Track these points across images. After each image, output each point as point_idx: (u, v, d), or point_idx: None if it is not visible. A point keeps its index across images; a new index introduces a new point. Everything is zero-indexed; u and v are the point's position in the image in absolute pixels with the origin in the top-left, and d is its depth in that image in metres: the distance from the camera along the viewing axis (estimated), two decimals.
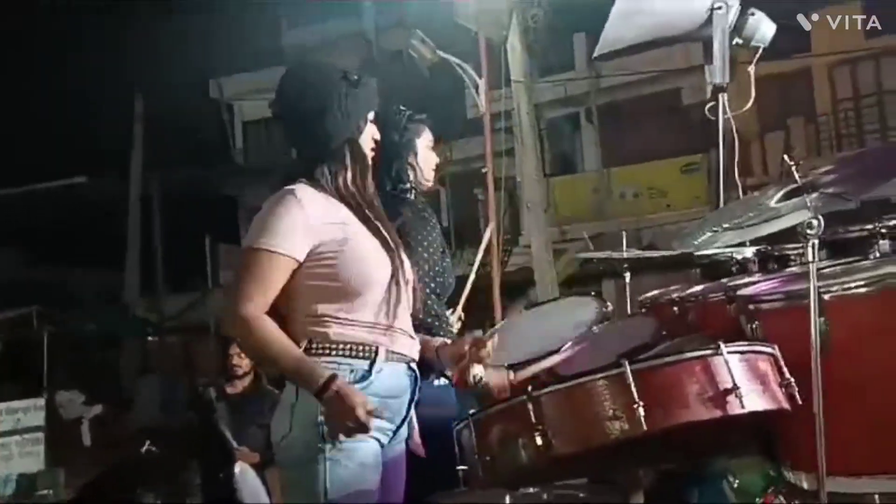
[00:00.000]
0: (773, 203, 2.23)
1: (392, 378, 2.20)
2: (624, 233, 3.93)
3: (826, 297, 2.20)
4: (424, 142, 2.92)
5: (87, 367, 17.27)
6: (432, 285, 2.83)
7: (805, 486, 2.36)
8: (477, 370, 2.48)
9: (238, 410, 5.48)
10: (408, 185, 2.89)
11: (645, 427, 1.81)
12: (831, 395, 2.10)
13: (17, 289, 16.21)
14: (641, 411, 1.81)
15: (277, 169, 2.43)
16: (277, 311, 2.16)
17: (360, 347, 2.16)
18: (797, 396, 1.96)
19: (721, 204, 3.73)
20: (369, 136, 2.33)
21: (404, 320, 2.26)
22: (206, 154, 20.34)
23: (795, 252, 2.98)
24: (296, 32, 19.44)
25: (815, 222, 2.04)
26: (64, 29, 20.24)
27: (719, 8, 3.57)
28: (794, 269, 2.91)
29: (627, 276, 3.84)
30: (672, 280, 3.55)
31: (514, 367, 2.82)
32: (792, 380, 1.97)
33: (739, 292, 2.54)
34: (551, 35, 12.86)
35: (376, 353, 2.17)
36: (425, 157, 2.92)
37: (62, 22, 20.25)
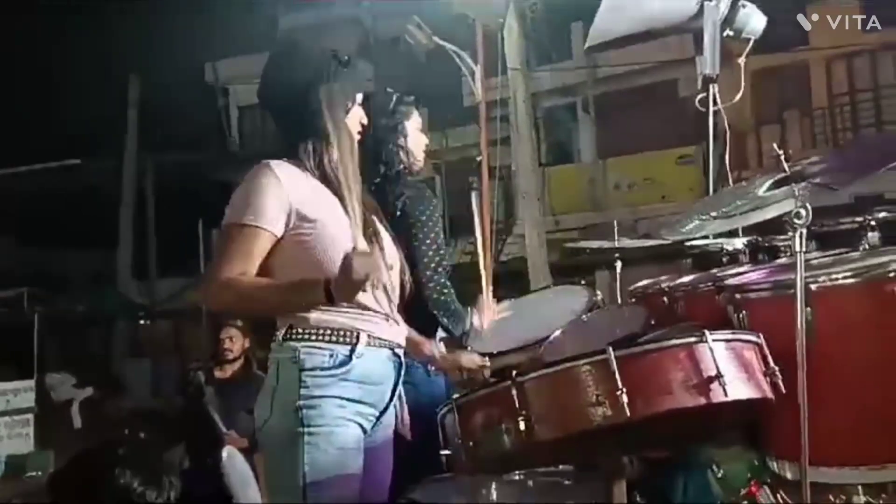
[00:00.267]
0: (761, 192, 2.22)
1: (374, 363, 2.19)
2: (616, 223, 3.94)
3: (813, 287, 2.19)
4: (414, 124, 2.91)
5: (77, 349, 17.26)
6: (439, 260, 2.82)
7: (789, 475, 2.36)
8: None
9: (227, 395, 5.48)
10: (399, 168, 2.88)
11: (628, 413, 1.80)
12: (816, 385, 2.09)
13: (8, 270, 16.17)
14: (625, 398, 1.80)
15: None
16: None
17: (341, 332, 2.15)
18: (781, 385, 1.96)
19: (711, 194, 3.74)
20: (356, 119, 2.31)
21: (386, 305, 2.24)
22: (201, 138, 20.27)
23: (785, 243, 2.98)
24: (292, 16, 19.33)
25: (802, 212, 2.04)
26: (60, 11, 20.12)
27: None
28: (783, 259, 2.91)
29: (619, 265, 3.84)
30: (664, 271, 3.55)
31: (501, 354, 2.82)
32: (777, 369, 1.97)
33: (728, 282, 2.54)
34: (549, 24, 12.83)
35: (357, 338, 2.16)
36: (416, 140, 2.92)
37: (58, 4, 20.12)
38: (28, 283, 14.77)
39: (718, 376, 1.85)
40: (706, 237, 3.13)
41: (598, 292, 3.32)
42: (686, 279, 3.05)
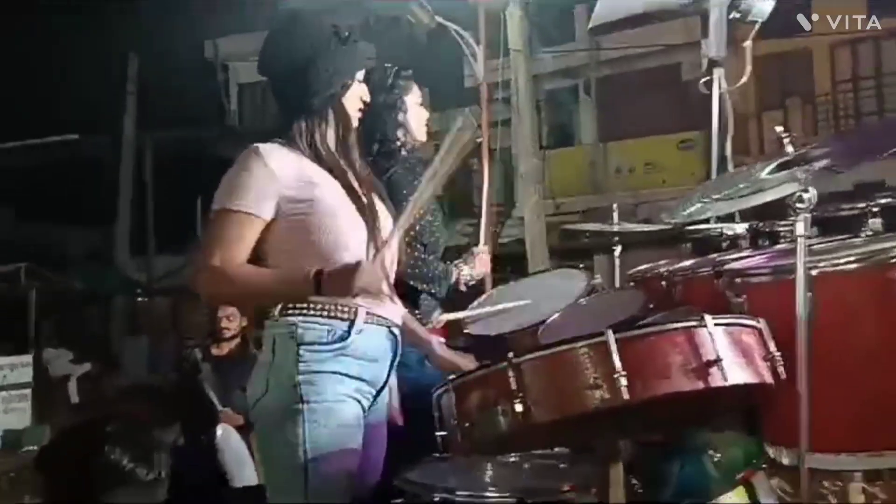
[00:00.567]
0: (763, 175, 2.20)
1: (372, 340, 2.16)
2: (615, 206, 3.91)
3: (814, 272, 2.18)
4: (414, 98, 2.88)
5: (75, 325, 17.26)
6: (421, 240, 2.80)
7: (786, 461, 2.35)
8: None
9: (224, 373, 5.48)
10: (399, 144, 2.86)
11: (626, 397, 1.78)
12: (815, 371, 2.08)
13: (6, 245, 16.13)
14: (623, 381, 1.78)
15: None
16: None
17: (339, 308, 2.13)
18: (781, 371, 1.94)
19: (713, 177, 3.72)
20: (357, 97, 2.27)
21: (385, 284, 2.22)
22: (200, 115, 20.18)
23: (786, 229, 2.97)
24: None
25: (805, 195, 2.02)
26: None
27: None
28: (783, 244, 2.89)
29: (618, 249, 3.82)
30: (663, 255, 3.53)
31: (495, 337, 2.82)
32: (777, 354, 1.95)
33: (727, 267, 2.52)
34: (552, 5, 12.73)
35: (355, 313, 2.13)
36: (416, 114, 2.88)
37: None
38: (25, 259, 14.75)
39: (718, 360, 1.83)
40: (707, 220, 3.11)
41: (597, 276, 3.31)
42: (685, 263, 3.03)
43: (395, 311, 2.26)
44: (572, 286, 3.20)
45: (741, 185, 2.31)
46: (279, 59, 2.22)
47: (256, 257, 2.13)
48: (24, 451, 7.05)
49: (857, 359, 2.24)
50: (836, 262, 2.24)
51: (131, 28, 19.47)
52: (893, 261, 2.18)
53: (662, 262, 3.20)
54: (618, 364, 1.80)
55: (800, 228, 2.05)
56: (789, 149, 2.02)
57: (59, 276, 16.54)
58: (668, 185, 15.04)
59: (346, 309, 2.13)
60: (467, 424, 1.95)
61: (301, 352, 2.07)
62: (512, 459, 2.36)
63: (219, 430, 4.84)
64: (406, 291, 2.57)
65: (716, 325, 1.88)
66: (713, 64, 3.65)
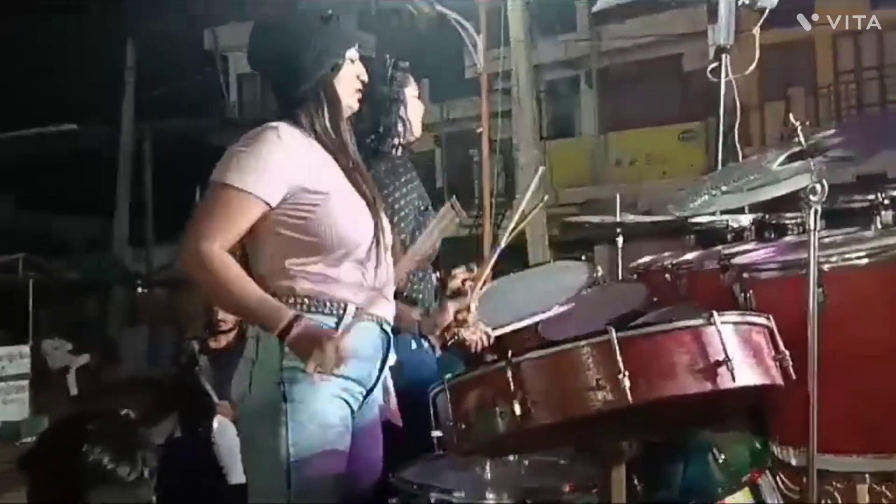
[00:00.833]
0: (774, 166, 2.12)
1: (362, 338, 2.06)
2: (618, 197, 3.84)
3: (825, 267, 2.10)
4: (412, 91, 2.79)
5: (73, 316, 17.22)
6: (407, 245, 2.71)
7: (793, 462, 2.29)
8: (464, 335, 2.43)
9: (221, 365, 5.40)
10: (396, 141, 2.76)
11: (630, 399, 1.70)
12: (824, 369, 2.01)
13: (4, 235, 16.09)
14: (627, 382, 1.70)
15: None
16: (237, 258, 2.03)
17: (328, 303, 2.03)
18: (792, 371, 1.86)
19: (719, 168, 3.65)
20: (352, 76, 2.18)
21: (382, 282, 2.12)
22: (199, 105, 20.09)
23: (793, 221, 2.89)
24: None
25: (818, 187, 1.94)
26: None
27: None
28: (791, 237, 2.82)
29: (620, 241, 3.75)
30: (666, 247, 3.47)
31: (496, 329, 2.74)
32: (787, 353, 1.87)
33: (734, 260, 2.45)
34: None
35: (345, 309, 2.04)
36: (414, 108, 2.79)
37: None
38: (23, 249, 14.70)
39: (726, 361, 1.74)
40: (714, 213, 3.04)
41: (599, 268, 3.24)
42: (689, 256, 2.96)
43: (388, 308, 2.17)
44: (574, 278, 3.13)
45: (751, 177, 2.23)
46: (266, 50, 2.14)
47: (243, 238, 2.02)
48: (23, 442, 7.03)
49: (868, 357, 2.18)
50: (847, 256, 2.17)
51: (130, 17, 19.38)
52: None
53: (666, 254, 3.13)
54: (621, 364, 1.72)
55: (812, 222, 1.98)
56: (802, 138, 1.94)
57: (57, 266, 16.50)
58: (669, 177, 14.98)
59: (335, 304, 2.04)
60: (464, 426, 1.87)
61: (285, 349, 1.98)
62: (511, 460, 2.29)
63: (215, 423, 4.78)
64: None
65: (724, 323, 1.80)
66: (721, 51, 3.58)
